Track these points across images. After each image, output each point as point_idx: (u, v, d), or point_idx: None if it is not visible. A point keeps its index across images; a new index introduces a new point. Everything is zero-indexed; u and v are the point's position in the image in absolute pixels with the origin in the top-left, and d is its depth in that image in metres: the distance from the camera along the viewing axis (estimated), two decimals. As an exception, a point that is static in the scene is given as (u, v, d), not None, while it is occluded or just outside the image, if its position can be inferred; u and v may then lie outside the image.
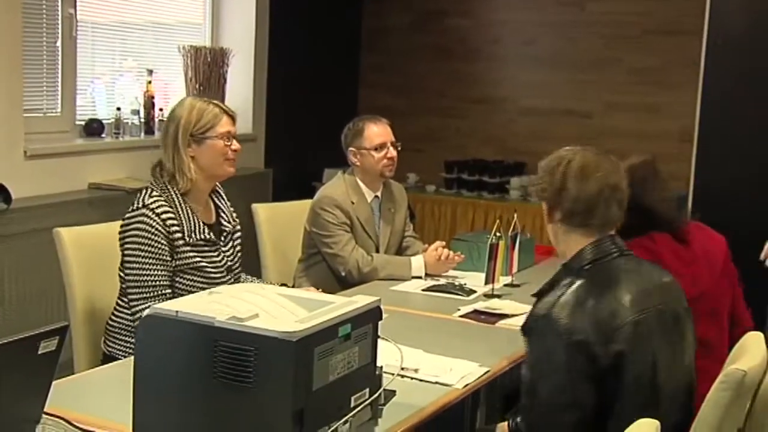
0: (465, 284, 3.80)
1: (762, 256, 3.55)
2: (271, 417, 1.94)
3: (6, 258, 4.27)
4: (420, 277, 3.91)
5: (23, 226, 4.32)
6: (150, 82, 5.39)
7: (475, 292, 3.72)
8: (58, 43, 4.91)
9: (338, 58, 7.30)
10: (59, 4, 4.86)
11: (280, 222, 4.18)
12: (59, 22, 4.88)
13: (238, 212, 3.38)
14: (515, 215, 3.96)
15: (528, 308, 3.37)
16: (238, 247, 3.34)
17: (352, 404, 2.12)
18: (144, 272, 3.03)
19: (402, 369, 2.60)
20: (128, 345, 3.04)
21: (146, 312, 2.06)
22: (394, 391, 2.46)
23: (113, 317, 3.16)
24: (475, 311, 3.44)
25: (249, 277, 3.41)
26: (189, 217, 3.11)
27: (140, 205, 3.05)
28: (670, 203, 3.13)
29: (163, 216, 3.04)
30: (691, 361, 2.43)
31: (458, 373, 2.71)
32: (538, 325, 2.33)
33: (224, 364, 1.96)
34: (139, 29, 5.56)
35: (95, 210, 4.54)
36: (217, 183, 3.28)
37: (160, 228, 3.03)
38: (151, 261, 3.03)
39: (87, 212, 4.47)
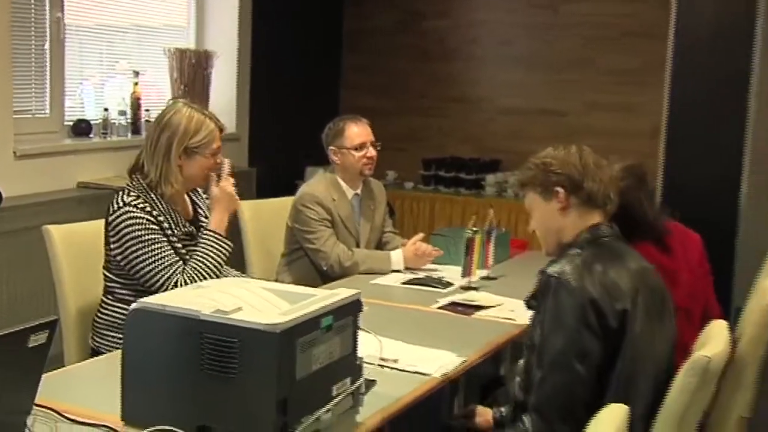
0: (443, 277, 3.82)
1: None
2: (256, 406, 1.96)
3: (-3, 256, 4.27)
4: (399, 271, 3.92)
5: (13, 225, 4.31)
6: (136, 84, 5.39)
7: (452, 284, 3.74)
8: (46, 46, 4.90)
9: (320, 59, 7.30)
10: (47, 8, 4.85)
11: (263, 219, 4.19)
12: (47, 25, 4.87)
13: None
14: (491, 211, 3.98)
15: (503, 299, 3.44)
16: None
17: (334, 393, 2.14)
18: (150, 251, 3.01)
19: (382, 359, 2.63)
20: (114, 340, 3.04)
21: (133, 305, 2.08)
22: (375, 381, 2.48)
23: (99, 314, 3.16)
24: (453, 303, 3.46)
25: (233, 270, 3.42)
26: (170, 214, 3.12)
27: (121, 204, 3.04)
28: (656, 210, 3.15)
29: (146, 209, 3.04)
30: (672, 343, 2.48)
31: (436, 362, 2.72)
32: (551, 285, 2.38)
33: (210, 355, 1.97)
34: (126, 32, 5.56)
35: (84, 208, 4.54)
36: None
37: (147, 216, 3.03)
38: (152, 239, 3.01)
39: (76, 210, 4.46)
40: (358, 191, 4.10)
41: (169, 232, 3.09)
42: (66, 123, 5.11)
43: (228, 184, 3.22)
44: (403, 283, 3.78)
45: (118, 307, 3.07)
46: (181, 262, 3.07)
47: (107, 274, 3.14)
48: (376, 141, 4.07)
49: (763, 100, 5.11)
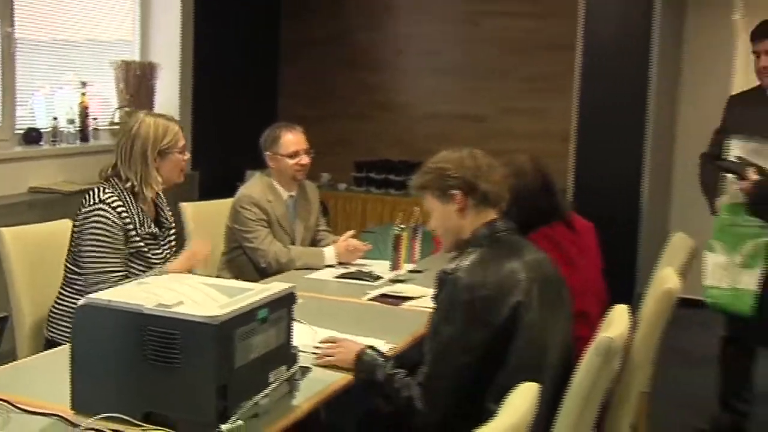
0: (373, 271, 3.84)
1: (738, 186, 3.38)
2: (198, 393, 1.96)
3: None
4: (333, 266, 3.93)
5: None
6: (84, 94, 5.33)
7: (381, 278, 3.76)
8: (-2, 60, 4.83)
9: (259, 69, 7.28)
10: (-2, 23, 4.78)
11: (205, 219, 4.17)
12: (-2, 40, 4.80)
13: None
14: (416, 209, 4.01)
15: (428, 291, 3.45)
16: (173, 242, 3.38)
17: (271, 380, 2.15)
18: (102, 260, 3.05)
19: (316, 347, 2.64)
20: (70, 330, 3.02)
21: (81, 301, 2.07)
22: (310, 368, 2.49)
23: (56, 304, 3.14)
24: (382, 295, 3.48)
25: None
26: (138, 213, 3.15)
27: (96, 201, 3.07)
28: (561, 194, 3.21)
29: (118, 210, 3.08)
30: (569, 327, 2.52)
31: (367, 349, 2.74)
32: (448, 281, 2.38)
33: (154, 346, 1.97)
34: (75, 46, 5.50)
35: (35, 212, 4.47)
36: None
37: (115, 220, 3.06)
38: (108, 250, 3.05)
39: (27, 214, 4.40)
40: (293, 193, 4.10)
41: (133, 233, 3.11)
42: (17, 131, 5.03)
43: (203, 248, 3.34)
44: (336, 278, 3.79)
45: (77, 299, 3.04)
46: (121, 274, 3.08)
47: (69, 266, 3.14)
48: (309, 148, 4.06)
49: (659, 104, 5.24)
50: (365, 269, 3.88)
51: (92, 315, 2.05)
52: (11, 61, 4.91)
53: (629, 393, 2.69)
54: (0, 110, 4.91)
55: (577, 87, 4.95)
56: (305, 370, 2.42)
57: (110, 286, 2.92)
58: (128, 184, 3.13)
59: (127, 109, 5.50)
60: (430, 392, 2.34)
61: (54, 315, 3.14)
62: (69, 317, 3.07)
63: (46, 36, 5.26)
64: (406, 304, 3.37)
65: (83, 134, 5.31)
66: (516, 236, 2.55)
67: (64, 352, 2.32)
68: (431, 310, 3.17)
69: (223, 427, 1.94)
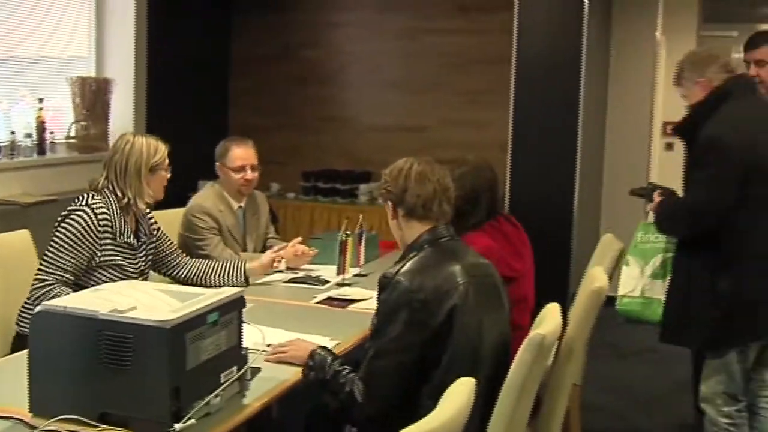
0: (320, 275, 3.83)
1: (648, 208, 3.53)
2: (152, 394, 1.96)
3: None
4: (281, 271, 3.91)
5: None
6: (41, 109, 5.26)
7: (328, 281, 3.76)
8: (-45, 75, 4.74)
9: (210, 83, 7.25)
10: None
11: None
12: (-45, 56, 4.72)
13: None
14: (360, 216, 4.04)
15: (373, 293, 3.47)
16: (150, 255, 3.42)
17: (222, 380, 2.15)
18: (59, 254, 3.06)
19: (268, 346, 2.64)
20: None
21: (37, 309, 2.05)
22: (260, 368, 2.49)
23: (27, 299, 3.10)
24: (329, 298, 3.48)
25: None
26: (121, 223, 3.19)
27: (83, 203, 3.14)
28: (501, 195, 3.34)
29: (100, 216, 3.12)
30: (507, 325, 2.55)
31: (314, 347, 2.75)
32: (389, 284, 2.40)
33: (108, 350, 1.96)
34: (32, 62, 5.43)
35: (-7, 222, 4.40)
36: None
37: (92, 226, 3.10)
38: (69, 248, 3.07)
39: (-14, 225, 4.32)
40: (242, 203, 4.08)
41: (109, 241, 3.15)
42: (-26, 145, 4.95)
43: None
44: (285, 282, 3.78)
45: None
46: (71, 281, 3.07)
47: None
48: (257, 164, 4.03)
49: (589, 114, 5.32)
50: (313, 274, 3.88)
51: (48, 321, 2.03)
52: (-32, 78, 4.83)
53: (562, 386, 2.73)
54: (-42, 125, 4.83)
55: (512, 99, 5.00)
56: (255, 370, 2.42)
57: (53, 281, 3.00)
58: (124, 199, 3.20)
59: (83, 123, 5.43)
60: (369, 386, 2.36)
61: (25, 309, 3.11)
62: None
63: (2, 53, 5.19)
64: (352, 307, 3.37)
65: (40, 148, 5.23)
66: (457, 242, 2.58)
67: (21, 358, 2.29)
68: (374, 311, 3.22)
69: (177, 426, 1.94)
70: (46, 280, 3.03)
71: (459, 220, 3.09)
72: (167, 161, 3.34)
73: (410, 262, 2.44)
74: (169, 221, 4.13)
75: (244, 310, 2.25)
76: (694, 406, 3.51)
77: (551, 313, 2.48)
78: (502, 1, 5.82)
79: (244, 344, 2.28)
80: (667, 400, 4.61)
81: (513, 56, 5.00)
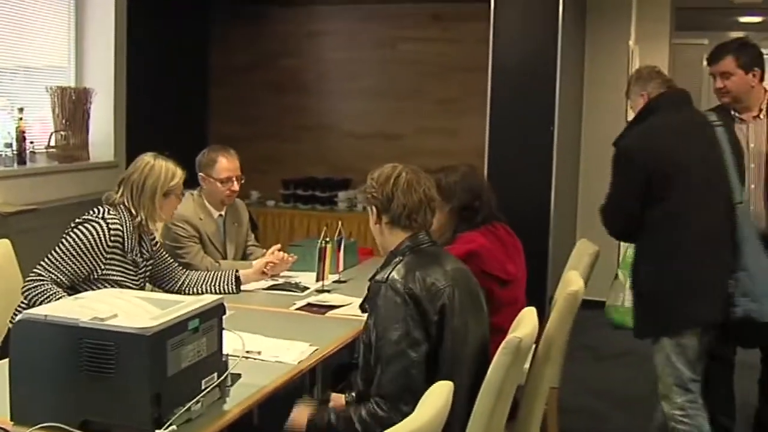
0: (299, 282, 3.84)
1: None
2: (133, 401, 1.95)
3: None
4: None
5: None
6: (21, 119, 5.23)
7: (308, 288, 3.75)
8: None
9: (190, 92, 7.24)
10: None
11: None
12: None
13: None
14: (339, 223, 4.03)
15: (352, 299, 3.48)
16: (149, 272, 3.42)
17: (203, 387, 2.14)
18: (62, 258, 3.07)
19: (247, 352, 2.64)
20: None
21: (18, 317, 2.04)
22: (240, 374, 2.48)
23: (26, 298, 3.09)
24: (309, 304, 3.48)
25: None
26: (132, 240, 3.22)
27: (99, 216, 3.15)
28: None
29: (113, 232, 3.13)
30: (487, 329, 2.57)
31: (294, 352, 2.75)
32: (381, 289, 2.41)
33: (89, 358, 1.96)
34: (12, 73, 5.40)
35: (-27, 232, 4.37)
36: None
37: (102, 240, 3.11)
38: (73, 255, 3.08)
39: (-34, 234, 4.29)
40: (223, 212, 4.07)
41: (118, 256, 3.17)
42: (-45, 155, 4.91)
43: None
44: (265, 289, 3.77)
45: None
46: (64, 284, 3.06)
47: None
48: (241, 175, 4.03)
49: (564, 120, 5.36)
50: (292, 280, 3.88)
51: (30, 329, 2.02)
52: (-53, 88, 4.80)
53: (539, 388, 2.74)
54: (-63, 135, 4.79)
55: (489, 106, 5.03)
56: (235, 376, 2.41)
57: (47, 281, 3.01)
58: (136, 218, 3.22)
59: (63, 132, 5.41)
60: (389, 397, 2.34)
61: (20, 307, 3.10)
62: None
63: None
64: (331, 313, 3.38)
65: (20, 157, 5.21)
66: (438, 248, 2.60)
67: (3, 365, 2.28)
68: (354, 317, 3.22)
69: (158, 432, 1.94)
70: (41, 276, 3.03)
71: (468, 217, 3.19)
72: (182, 187, 3.36)
73: (398, 265, 2.45)
74: (150, 230, 4.12)
75: (224, 316, 2.25)
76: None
77: (527, 316, 2.49)
78: (478, 11, 5.86)
79: (225, 351, 2.28)
80: (647, 402, 4.62)
81: (489, 64, 5.04)
